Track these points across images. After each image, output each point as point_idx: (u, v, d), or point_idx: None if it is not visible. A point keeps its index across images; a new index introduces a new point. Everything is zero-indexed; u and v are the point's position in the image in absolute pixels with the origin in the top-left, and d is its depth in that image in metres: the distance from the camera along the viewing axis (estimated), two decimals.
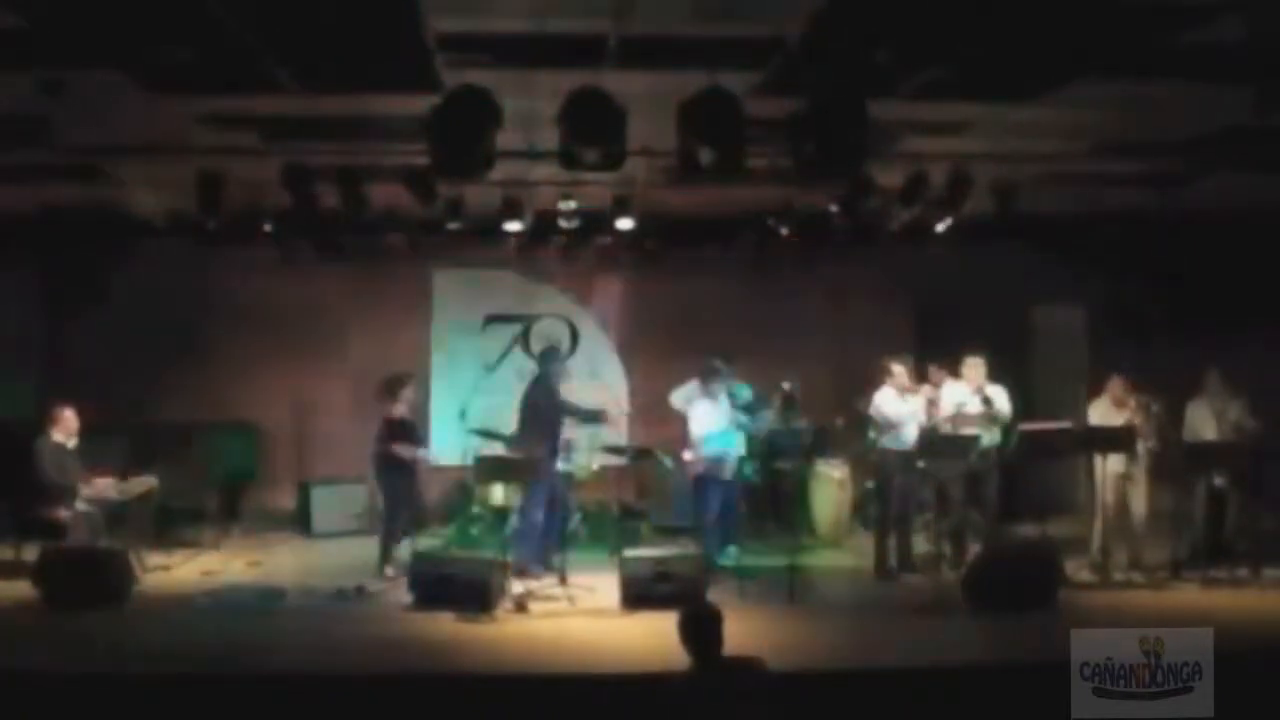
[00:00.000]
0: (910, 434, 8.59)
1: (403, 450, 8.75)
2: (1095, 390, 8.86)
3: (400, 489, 8.82)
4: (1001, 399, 8.61)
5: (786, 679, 4.52)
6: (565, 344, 11.52)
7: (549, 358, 9.21)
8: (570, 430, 9.11)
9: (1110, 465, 8.43)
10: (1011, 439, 8.51)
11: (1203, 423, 8.71)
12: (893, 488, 8.67)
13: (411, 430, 9.04)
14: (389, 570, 8.44)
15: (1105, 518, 8.47)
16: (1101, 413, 8.67)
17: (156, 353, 10.77)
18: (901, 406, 8.62)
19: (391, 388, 9.02)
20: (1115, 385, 8.64)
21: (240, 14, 5.10)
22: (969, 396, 8.58)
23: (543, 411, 8.71)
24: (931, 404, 8.65)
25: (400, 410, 8.93)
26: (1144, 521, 8.59)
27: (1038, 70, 6.11)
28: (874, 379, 8.79)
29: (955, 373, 8.83)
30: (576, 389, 9.38)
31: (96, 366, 10.44)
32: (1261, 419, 8.55)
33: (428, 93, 5.95)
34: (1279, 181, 8.41)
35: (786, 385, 10.23)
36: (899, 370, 8.70)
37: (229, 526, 10.30)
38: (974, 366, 8.66)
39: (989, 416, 8.51)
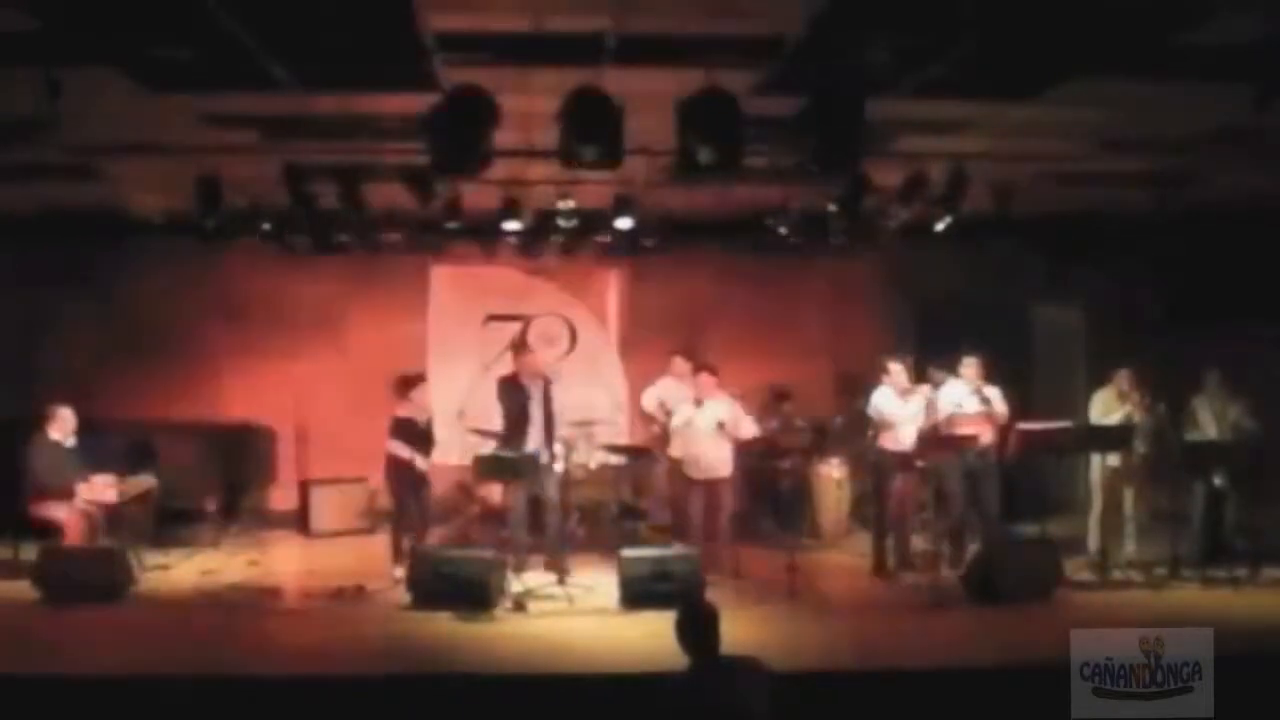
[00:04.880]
0: (908, 434, 8.59)
1: (399, 449, 8.72)
2: (1097, 386, 8.87)
3: (403, 489, 8.77)
4: (998, 399, 8.60)
5: (785, 678, 4.50)
6: (564, 343, 11.52)
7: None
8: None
9: (1105, 462, 8.44)
10: (1009, 439, 8.50)
11: (1204, 423, 8.71)
12: (891, 487, 8.67)
13: (413, 431, 8.89)
14: (398, 571, 8.23)
15: (1103, 516, 8.48)
16: (1104, 403, 8.68)
17: (156, 352, 10.78)
18: (900, 406, 8.61)
19: (399, 387, 8.99)
20: (1122, 378, 8.66)
21: (239, 13, 5.09)
22: (967, 396, 8.58)
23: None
24: (930, 404, 8.64)
25: (407, 410, 8.88)
26: (1135, 519, 8.60)
27: (1037, 69, 6.09)
28: (873, 378, 8.78)
29: (954, 372, 8.83)
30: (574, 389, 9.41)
31: (95, 366, 10.43)
32: (1261, 419, 8.55)
33: (426, 91, 5.94)
34: (1278, 180, 8.40)
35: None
36: (897, 370, 8.69)
37: (229, 526, 10.29)
38: (970, 365, 8.65)
39: (986, 416, 8.50)
